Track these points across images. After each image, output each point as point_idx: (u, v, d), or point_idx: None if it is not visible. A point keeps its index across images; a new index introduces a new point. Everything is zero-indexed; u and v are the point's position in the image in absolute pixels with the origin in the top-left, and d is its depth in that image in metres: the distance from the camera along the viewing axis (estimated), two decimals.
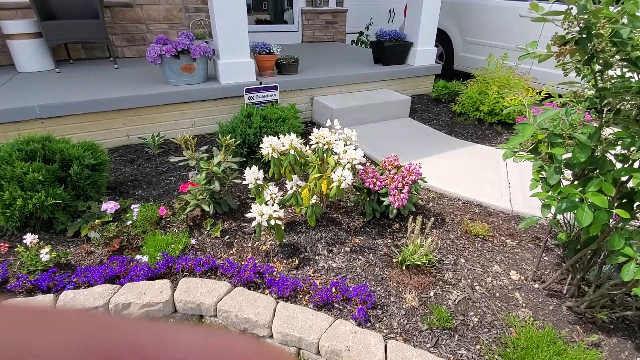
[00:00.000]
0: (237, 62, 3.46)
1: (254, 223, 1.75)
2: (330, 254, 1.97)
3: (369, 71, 4.32)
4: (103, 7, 4.08)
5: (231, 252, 1.98)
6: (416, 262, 1.80)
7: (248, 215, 1.77)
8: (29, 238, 1.73)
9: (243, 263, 1.88)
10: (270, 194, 1.92)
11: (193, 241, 1.96)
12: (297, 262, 1.91)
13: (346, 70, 4.26)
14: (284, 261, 1.93)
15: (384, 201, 2.13)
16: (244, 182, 1.94)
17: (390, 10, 8.77)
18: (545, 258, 2.06)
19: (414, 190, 2.12)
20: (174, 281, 1.74)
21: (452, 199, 2.62)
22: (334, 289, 1.63)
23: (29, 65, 3.81)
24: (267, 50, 3.71)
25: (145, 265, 1.69)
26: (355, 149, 1.80)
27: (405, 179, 2.08)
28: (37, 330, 0.14)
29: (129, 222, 2.06)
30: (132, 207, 2.10)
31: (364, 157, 1.90)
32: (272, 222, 1.74)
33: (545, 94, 3.71)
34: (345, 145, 1.90)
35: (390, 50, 4.49)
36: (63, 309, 0.16)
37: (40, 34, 3.74)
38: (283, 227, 1.87)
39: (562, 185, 1.54)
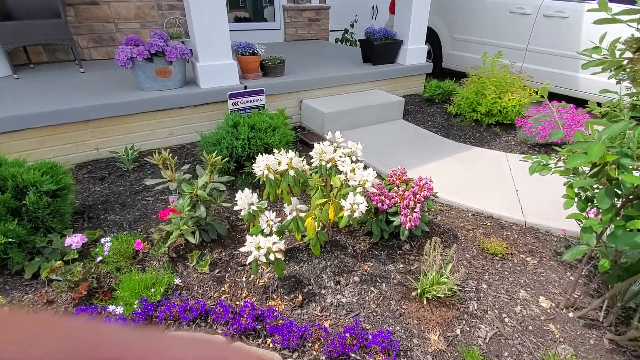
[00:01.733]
0: (219, 65, 3.15)
1: (250, 258, 1.48)
2: (338, 286, 1.73)
3: (359, 71, 4.09)
4: (65, 5, 3.67)
5: (223, 289, 1.70)
6: (438, 295, 1.58)
7: (243, 249, 1.50)
8: None
9: (238, 304, 1.61)
10: (267, 221, 1.65)
11: (177, 280, 1.66)
12: (300, 298, 1.66)
13: (335, 71, 4.01)
14: (286, 297, 1.67)
15: (394, 221, 1.90)
16: (235, 208, 1.67)
17: (373, 7, 8.58)
18: (571, 278, 1.89)
19: (426, 207, 1.90)
20: None
21: (460, 211, 2.43)
22: (348, 336, 1.39)
23: None
24: (251, 51, 3.42)
25: (120, 318, 1.40)
26: (366, 168, 1.55)
27: (417, 196, 1.86)
28: (29, 337, 0.14)
29: (99, 258, 1.75)
30: (103, 240, 1.78)
31: (365, 168, 1.66)
32: (272, 257, 1.47)
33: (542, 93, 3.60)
34: (352, 162, 1.65)
35: (380, 49, 4.28)
36: (54, 317, 0.17)
37: None
38: (283, 258, 1.61)
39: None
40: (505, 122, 3.72)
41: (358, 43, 7.04)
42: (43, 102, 2.71)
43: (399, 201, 1.86)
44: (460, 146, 3.40)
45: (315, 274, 1.79)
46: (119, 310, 1.44)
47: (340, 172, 1.65)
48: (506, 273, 1.89)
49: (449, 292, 1.60)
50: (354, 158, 1.71)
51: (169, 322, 1.50)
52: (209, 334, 1.45)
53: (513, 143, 3.48)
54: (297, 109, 3.80)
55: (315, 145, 1.67)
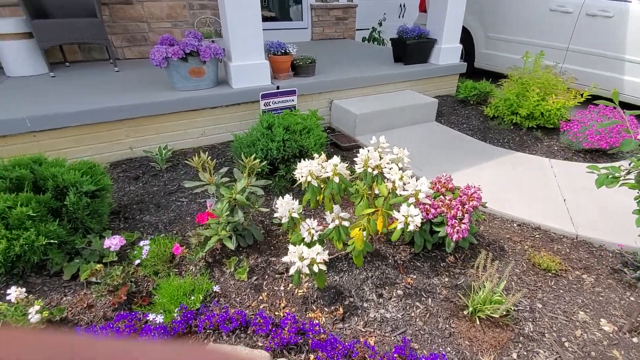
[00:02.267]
0: (251, 65, 3.11)
1: (293, 270, 1.41)
2: (381, 300, 1.64)
3: (391, 71, 3.97)
4: (101, 4, 3.72)
5: (261, 298, 1.64)
6: (492, 315, 1.46)
7: (285, 259, 1.43)
8: (14, 293, 1.40)
9: (277, 314, 1.55)
10: (308, 229, 1.58)
11: (216, 288, 1.62)
12: (341, 310, 1.58)
13: (367, 71, 3.91)
14: (326, 309, 1.59)
15: (438, 231, 1.79)
16: (275, 215, 1.60)
17: (401, 5, 8.39)
18: (631, 298, 1.73)
19: (474, 218, 1.79)
20: (197, 343, 1.41)
21: (504, 221, 2.29)
22: (397, 357, 1.30)
23: (19, 69, 3.46)
24: (283, 51, 3.36)
25: (161, 327, 1.36)
26: (417, 179, 1.45)
27: (466, 206, 1.75)
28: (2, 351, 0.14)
29: (137, 261, 1.73)
30: (141, 243, 1.76)
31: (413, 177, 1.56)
32: (316, 268, 1.40)
33: (589, 95, 3.38)
34: (399, 169, 1.56)
35: (413, 48, 4.14)
36: (31, 331, 0.18)
37: (31, 34, 3.39)
38: (325, 269, 1.53)
39: None
40: (546, 126, 3.52)
41: (386, 42, 6.92)
42: (80, 100, 2.73)
43: (445, 211, 1.75)
44: (499, 150, 3.23)
45: (356, 285, 1.71)
46: (159, 319, 1.41)
47: (386, 179, 1.56)
48: (561, 291, 1.75)
49: (504, 312, 1.49)
50: (400, 165, 1.61)
51: (208, 331, 1.45)
52: (249, 346, 1.39)
53: (556, 148, 3.29)
54: (326, 110, 3.72)
55: (361, 150, 1.58)
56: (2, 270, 1.59)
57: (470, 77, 5.06)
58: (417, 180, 1.42)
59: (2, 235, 1.51)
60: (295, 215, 1.58)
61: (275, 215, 1.60)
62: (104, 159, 2.75)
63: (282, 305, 1.62)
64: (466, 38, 5.60)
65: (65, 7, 3.54)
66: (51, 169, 1.80)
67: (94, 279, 1.58)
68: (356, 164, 1.60)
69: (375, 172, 1.55)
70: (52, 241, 1.62)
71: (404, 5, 8.40)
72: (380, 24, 6.87)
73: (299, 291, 1.68)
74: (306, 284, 1.71)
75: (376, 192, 1.63)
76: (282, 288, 1.70)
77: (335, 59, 4.51)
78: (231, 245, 1.69)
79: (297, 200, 1.63)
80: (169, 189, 2.49)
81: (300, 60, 3.51)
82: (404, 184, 1.43)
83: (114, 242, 1.72)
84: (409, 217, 1.33)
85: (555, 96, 3.42)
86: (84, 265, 1.70)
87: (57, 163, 1.88)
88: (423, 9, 6.07)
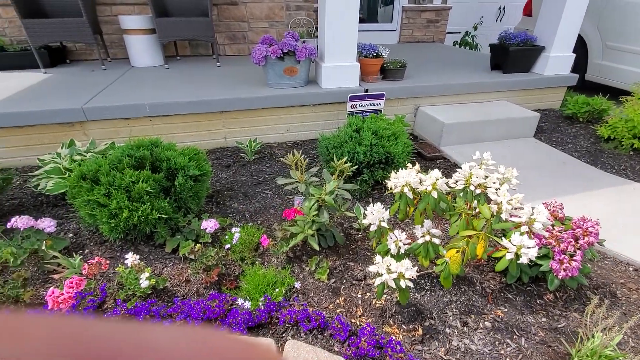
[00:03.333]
0: (342, 66, 3.14)
1: (378, 281, 1.38)
2: (465, 328, 1.52)
3: (486, 79, 3.69)
4: (212, 5, 4.08)
5: (338, 302, 1.64)
6: None
7: (371, 268, 1.41)
8: (130, 258, 1.60)
9: (354, 322, 1.53)
10: (395, 241, 1.53)
11: (297, 284, 1.66)
12: (420, 331, 1.51)
13: (459, 77, 3.68)
14: (403, 327, 1.53)
15: (540, 265, 1.61)
16: (364, 221, 1.59)
17: (500, 8, 7.76)
18: None
19: (589, 256, 1.56)
20: (276, 334, 1.46)
21: (617, 262, 1.97)
22: None
23: (141, 60, 3.96)
24: (375, 53, 3.33)
25: (247, 312, 1.44)
26: (535, 211, 1.30)
27: (580, 242, 1.53)
28: (3, 338, 0.14)
29: (227, 246, 1.85)
30: (233, 230, 1.89)
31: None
32: (402, 284, 1.35)
33: None
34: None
35: (515, 55, 3.79)
36: (33, 315, 0.16)
37: (153, 30, 3.85)
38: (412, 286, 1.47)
39: None
40: None
41: (481, 47, 6.46)
42: (189, 91, 3.03)
43: (553, 243, 1.56)
44: (614, 179, 2.80)
45: (439, 307, 1.61)
46: (247, 304, 1.49)
47: (490, 201, 1.44)
48: None
49: None
50: (506, 186, 1.48)
51: (287, 326, 1.49)
52: (325, 349, 1.40)
53: None
54: (412, 116, 3.59)
55: (463, 166, 1.48)
56: (121, 236, 1.83)
57: (577, 91, 4.47)
58: (532, 207, 1.28)
59: (125, 205, 1.74)
60: (384, 224, 1.55)
61: (364, 221, 1.58)
62: (203, 145, 3.02)
63: (359, 313, 1.60)
64: (577, 46, 4.96)
65: (183, 7, 3.96)
66: (166, 152, 2.02)
67: (191, 256, 1.74)
68: (452, 180, 1.50)
69: (478, 191, 1.44)
70: (161, 216, 1.82)
71: (504, 9, 7.76)
72: (476, 28, 6.43)
73: (377, 302, 1.64)
74: (385, 296, 1.67)
75: (475, 211, 1.52)
76: (359, 295, 1.68)
77: (424, 63, 4.34)
78: (315, 245, 1.71)
79: (387, 210, 1.59)
80: (256, 180, 2.63)
81: (391, 64, 3.45)
82: (513, 209, 1.30)
83: (209, 225, 1.87)
84: (521, 248, 1.20)
85: None
86: (183, 241, 1.88)
87: (170, 147, 2.10)
88: (528, 12, 5.52)
